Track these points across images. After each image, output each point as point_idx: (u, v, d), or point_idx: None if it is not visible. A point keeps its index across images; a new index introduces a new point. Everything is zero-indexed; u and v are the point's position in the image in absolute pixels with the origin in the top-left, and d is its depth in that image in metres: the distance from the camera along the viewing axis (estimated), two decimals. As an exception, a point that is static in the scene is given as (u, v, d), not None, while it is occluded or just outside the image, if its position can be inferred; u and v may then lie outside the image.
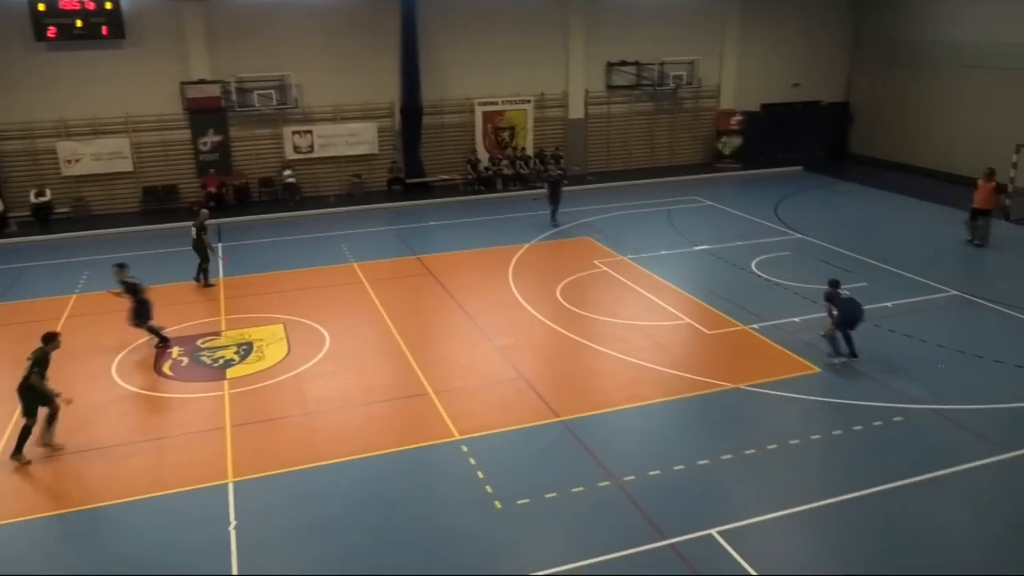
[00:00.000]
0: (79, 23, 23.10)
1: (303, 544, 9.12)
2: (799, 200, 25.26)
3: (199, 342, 14.82)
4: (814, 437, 11.10)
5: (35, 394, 10.88)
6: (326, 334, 15.04)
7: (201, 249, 17.85)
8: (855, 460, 10.53)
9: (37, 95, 23.55)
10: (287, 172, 25.94)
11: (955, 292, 16.44)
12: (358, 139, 26.69)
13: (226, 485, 10.23)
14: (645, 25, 28.97)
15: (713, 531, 9.06)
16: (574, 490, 9.96)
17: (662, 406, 12.14)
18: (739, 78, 30.72)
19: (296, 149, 26.22)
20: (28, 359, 10.96)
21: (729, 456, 10.64)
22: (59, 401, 11.06)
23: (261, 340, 14.83)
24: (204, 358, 14.14)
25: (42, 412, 11.04)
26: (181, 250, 21.14)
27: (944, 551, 8.84)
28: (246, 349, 14.47)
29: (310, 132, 26.22)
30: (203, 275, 18.03)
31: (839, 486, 9.92)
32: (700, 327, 15.09)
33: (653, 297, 16.70)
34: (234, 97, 25.03)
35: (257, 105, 25.12)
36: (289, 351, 14.35)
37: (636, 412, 11.99)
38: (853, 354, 13.20)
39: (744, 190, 27.10)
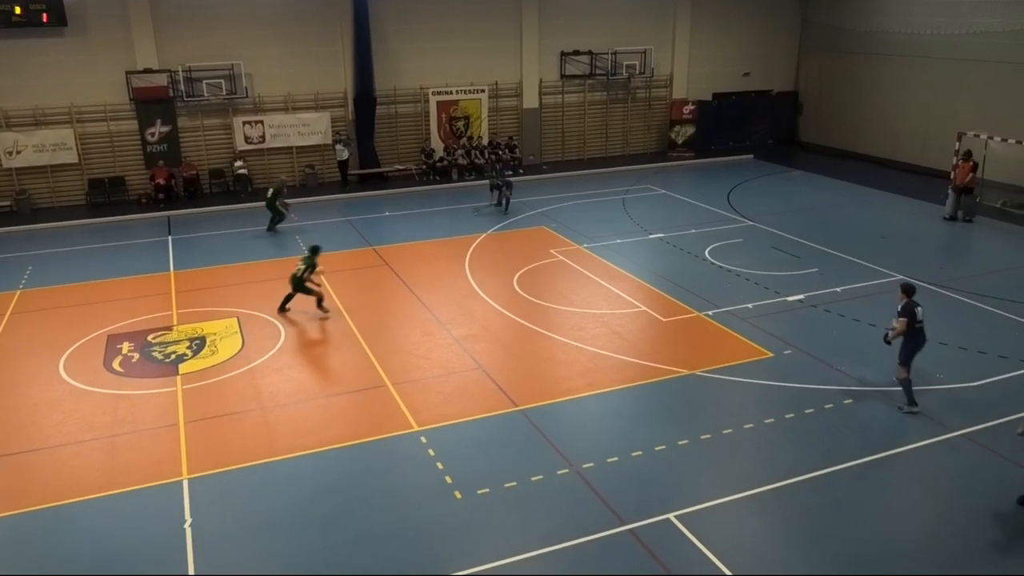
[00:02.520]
0: (18, 10, 22.31)
1: (261, 540, 9.03)
2: (751, 188, 25.65)
3: (150, 337, 14.52)
4: (768, 421, 11.33)
5: None
6: (281, 327, 14.87)
7: (274, 208, 21.34)
8: (807, 442, 10.77)
9: (-26, 84, 22.77)
10: (238, 163, 25.48)
11: (901, 276, 16.86)
12: (311, 129, 26.33)
13: (180, 482, 10.07)
14: (598, 15, 29.07)
15: (671, 515, 9.20)
16: (533, 478, 10.02)
17: (619, 393, 12.26)
18: (691, 68, 31.04)
19: (247, 140, 25.77)
20: None
21: (686, 441, 10.81)
22: None
23: (214, 334, 14.59)
24: (155, 353, 13.86)
25: None
26: (129, 243, 20.75)
27: (893, 528, 9.10)
28: (199, 344, 14.23)
29: (261, 122, 25.78)
30: (273, 226, 21.47)
31: (792, 468, 10.14)
32: (655, 314, 15.26)
33: (609, 285, 16.83)
34: (182, 87, 24.48)
35: (206, 95, 24.61)
36: (243, 345, 14.15)
37: (594, 400, 12.09)
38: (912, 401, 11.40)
39: (697, 178, 27.43)
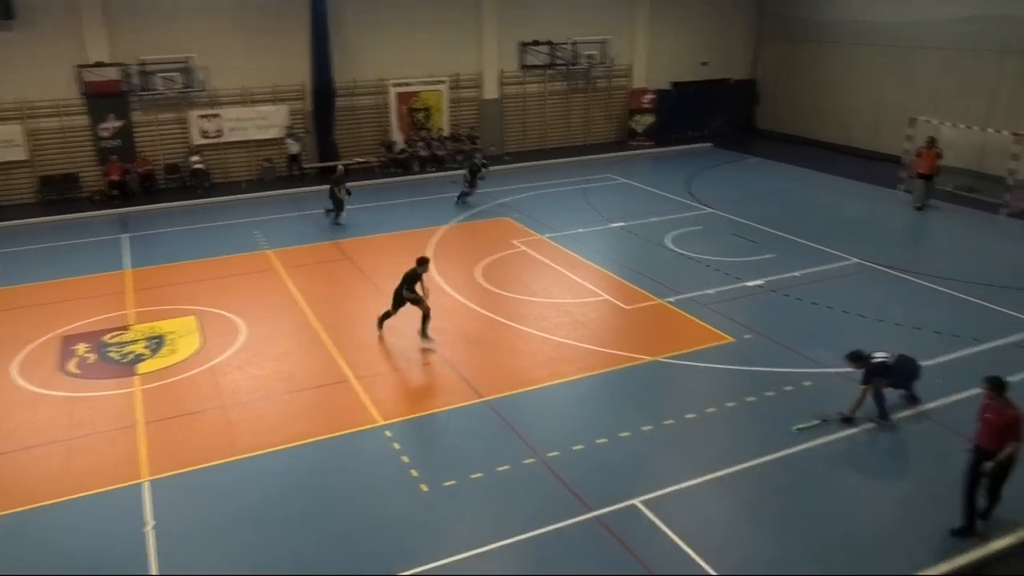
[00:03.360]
0: (-41, 3, 21.67)
1: (226, 540, 8.94)
2: (710, 176, 25.90)
3: (106, 337, 14.24)
4: (729, 404, 11.48)
5: None
6: (241, 324, 14.67)
7: (335, 198, 21.03)
8: (768, 424, 10.94)
9: (-84, 81, 22.03)
10: (194, 158, 25.01)
11: (856, 260, 17.19)
12: (268, 123, 25.94)
13: (140, 485, 9.90)
14: (557, 5, 29.04)
15: (636, 501, 9.29)
16: (499, 469, 10.04)
17: (583, 382, 12.33)
18: (650, 57, 31.19)
19: (204, 134, 25.30)
20: None
21: (649, 427, 10.91)
22: None
23: (173, 332, 14.35)
24: (112, 354, 13.60)
25: None
26: (83, 241, 20.30)
27: (852, 505, 9.30)
28: (157, 342, 13.98)
29: (218, 116, 25.33)
30: (335, 216, 21.23)
31: (754, 450, 10.30)
32: (618, 302, 15.36)
33: (571, 275, 16.89)
34: (136, 80, 23.94)
35: (161, 88, 24.10)
36: (203, 343, 13.94)
37: (558, 389, 12.15)
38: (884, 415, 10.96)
39: (657, 167, 27.61)
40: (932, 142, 21.26)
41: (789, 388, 11.88)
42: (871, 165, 26.04)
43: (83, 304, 15.77)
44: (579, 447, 10.48)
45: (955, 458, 9.21)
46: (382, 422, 11.22)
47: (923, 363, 11.43)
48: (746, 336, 13.64)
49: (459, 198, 22.84)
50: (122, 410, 11.74)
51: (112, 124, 24.12)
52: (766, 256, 17.61)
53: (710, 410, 11.35)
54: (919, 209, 21.17)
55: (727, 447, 10.53)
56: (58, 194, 23.87)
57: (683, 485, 9.65)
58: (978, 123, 22.50)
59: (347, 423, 11.25)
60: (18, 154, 23.41)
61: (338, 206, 21.17)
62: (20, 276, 17.67)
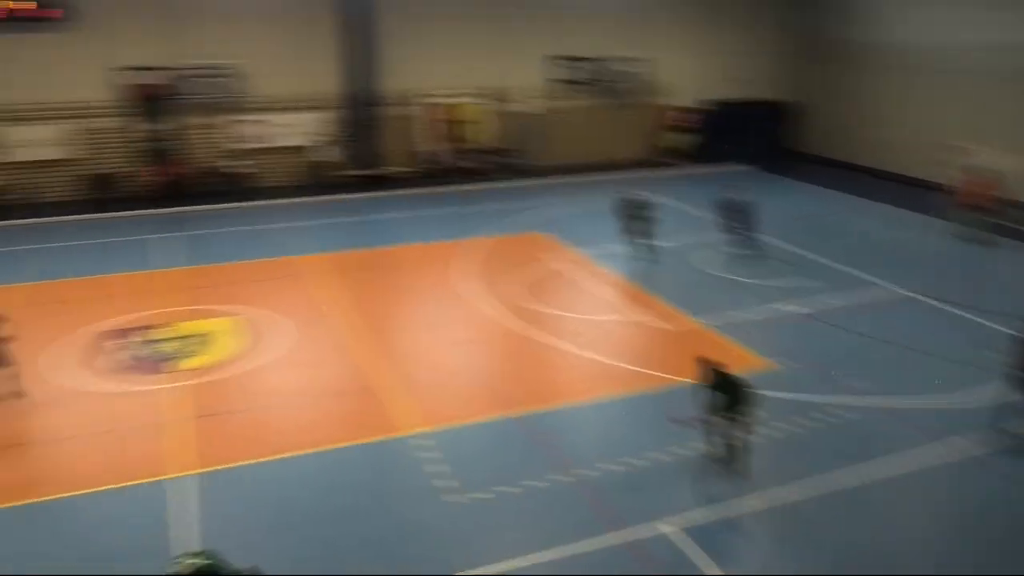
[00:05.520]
0: (11, 4, 22.23)
1: (254, 540, 8.92)
2: (748, 197, 25.55)
3: (147, 334, 14.39)
4: (767, 431, 11.27)
5: None
6: (277, 327, 14.74)
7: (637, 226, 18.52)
8: (808, 453, 10.72)
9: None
10: (235, 162, 25.34)
11: (904, 291, 16.84)
12: (306, 129, 26.22)
13: (178, 479, 9.95)
14: (594, 22, 29.11)
15: (669, 524, 9.12)
16: (530, 484, 9.94)
17: (618, 401, 12.20)
18: (688, 75, 31.04)
19: (245, 138, 25.64)
20: None
21: (686, 450, 10.74)
22: None
23: (211, 332, 14.47)
24: (150, 351, 13.73)
25: None
26: (123, 240, 20.60)
27: (890, 542, 9.06)
28: (195, 341, 14.10)
29: (257, 121, 25.66)
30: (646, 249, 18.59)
31: (792, 480, 10.08)
32: (654, 322, 15.21)
33: (606, 292, 16.78)
34: (181, 84, 24.34)
35: (206, 93, 24.48)
36: (242, 343, 14.03)
37: (592, 407, 12.03)
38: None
39: (690, 186, 27.40)
40: (983, 172, 20.45)
41: (831, 419, 11.63)
42: (917, 192, 25.59)
43: (123, 301, 15.99)
44: (612, 466, 10.34)
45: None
46: (418, 430, 11.18)
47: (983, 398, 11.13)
48: (785, 362, 13.40)
49: (742, 247, 18.89)
50: (159, 406, 11.84)
51: (155, 126, 24.51)
52: (809, 282, 17.33)
53: (750, 436, 11.13)
54: (971, 242, 20.15)
55: (763, 475, 10.32)
56: (101, 193, 24.28)
57: (718, 510, 9.48)
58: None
59: (384, 429, 11.23)
60: (71, 152, 23.91)
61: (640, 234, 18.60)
62: (68, 271, 18.03)
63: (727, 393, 9.88)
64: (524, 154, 28.65)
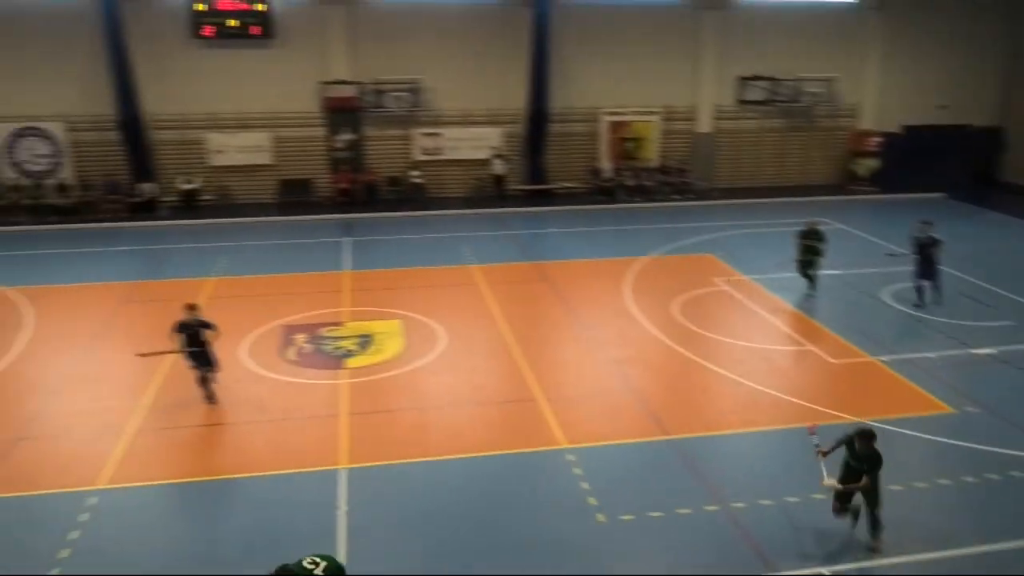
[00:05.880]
0: (232, 23, 24.57)
1: (407, 535, 9.31)
2: (941, 229, 23.67)
3: (323, 331, 15.40)
4: (942, 482, 10.42)
5: None
6: (442, 332, 15.33)
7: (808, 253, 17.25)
8: (988, 510, 9.81)
9: (191, 89, 25.19)
10: (414, 172, 26.65)
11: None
12: (483, 143, 27.11)
13: (339, 471, 10.58)
14: (782, 39, 28.11)
15: (824, 571, 8.64)
16: (680, 511, 9.73)
17: (778, 433, 11.70)
18: (880, 97, 29.29)
19: (424, 150, 26.93)
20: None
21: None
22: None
23: (380, 333, 15.27)
24: (326, 347, 14.69)
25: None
26: (310, 241, 22.18)
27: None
28: (365, 341, 14.93)
29: (438, 135, 26.87)
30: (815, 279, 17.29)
31: (967, 537, 9.26)
32: (824, 355, 14.46)
33: (774, 320, 16.14)
34: (369, 98, 25.95)
35: (390, 106, 25.96)
36: (406, 346, 14.71)
37: (750, 437, 11.61)
38: None
39: (879, 215, 25.82)
40: None
41: (1016, 473, 10.58)
42: None
43: (305, 298, 17.19)
44: (767, 502, 9.93)
45: None
46: (565, 445, 11.25)
47: None
48: (969, 408, 12.33)
49: (928, 280, 16.80)
50: (329, 399, 12.63)
51: (345, 137, 26.24)
52: (1002, 322, 15.87)
53: (919, 485, 10.35)
54: None
55: (935, 528, 9.53)
56: (294, 197, 26.32)
57: (878, 562, 8.86)
58: None
59: (531, 441, 11.39)
60: (265, 159, 26.12)
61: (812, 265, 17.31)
62: (255, 267, 19.65)
63: (862, 460, 8.98)
64: (697, 174, 28.13)
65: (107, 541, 9.14)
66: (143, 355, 12.39)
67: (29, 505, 9.85)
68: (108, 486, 10.21)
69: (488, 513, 9.72)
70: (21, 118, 24.37)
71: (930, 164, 29.37)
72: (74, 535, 9.19)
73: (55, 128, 24.66)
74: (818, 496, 9.99)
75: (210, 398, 12.26)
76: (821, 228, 17.58)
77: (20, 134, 24.52)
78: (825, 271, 17.76)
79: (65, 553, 8.86)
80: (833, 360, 14.25)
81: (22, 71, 24.25)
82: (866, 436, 8.85)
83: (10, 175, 24.63)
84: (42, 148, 24.72)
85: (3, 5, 23.69)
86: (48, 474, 10.51)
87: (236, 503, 10.01)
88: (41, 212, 24.25)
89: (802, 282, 17.56)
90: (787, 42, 28.16)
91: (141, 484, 10.29)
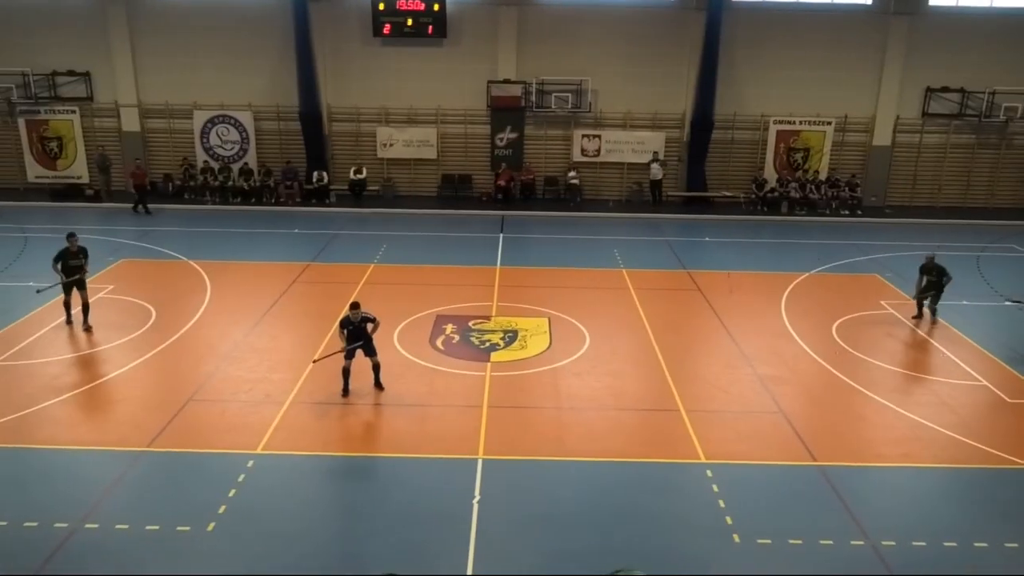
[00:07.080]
0: (410, 22, 25.65)
1: (536, 531, 9.38)
2: None
3: (471, 323, 15.81)
4: None
5: None
6: (587, 334, 15.34)
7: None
8: None
9: (366, 84, 26.57)
10: (572, 173, 26.80)
11: None
12: (644, 147, 26.84)
13: (475, 460, 10.83)
14: (977, 49, 26.00)
15: (983, 624, 7.97)
16: (822, 542, 9.24)
17: (940, 472, 10.86)
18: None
19: (583, 152, 27.02)
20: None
21: (1016, 546, 9.26)
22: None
23: (526, 330, 15.48)
24: (473, 339, 15.07)
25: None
26: (466, 236, 22.81)
27: None
28: (511, 336, 15.19)
29: (599, 137, 26.87)
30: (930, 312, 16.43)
31: None
32: (999, 392, 13.28)
33: (945, 350, 14.99)
34: (533, 97, 26.33)
35: (553, 107, 26.23)
36: (550, 345, 14.83)
37: (907, 472, 10.85)
38: None
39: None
40: None
41: None
42: None
43: (457, 290, 17.70)
44: (920, 543, 9.25)
45: None
46: (705, 460, 10.97)
47: None
48: None
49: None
50: (472, 390, 12.94)
51: (507, 135, 26.77)
52: None
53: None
54: None
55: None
56: (454, 191, 27.16)
57: (1050, 624, 8.06)
58: None
59: (670, 452, 11.19)
60: (429, 153, 27.13)
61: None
62: (412, 258, 20.44)
63: None
64: (870, 189, 26.57)
65: (258, 503, 9.81)
66: (318, 360, 13.12)
67: (198, 461, 10.74)
68: (264, 451, 10.97)
69: (620, 520, 9.62)
70: (216, 106, 26.58)
71: None
72: (231, 493, 9.94)
73: (244, 117, 26.74)
74: (979, 544, 9.22)
75: (378, 385, 12.79)
76: (940, 264, 16.26)
77: (213, 121, 26.76)
78: (1010, 301, 16.26)
79: (222, 509, 9.60)
80: (1009, 399, 13.06)
81: (222, 65, 26.45)
82: None
83: (203, 159, 26.93)
84: (232, 135, 26.89)
85: (207, 3, 25.88)
86: (215, 434, 11.43)
87: (377, 480, 10.47)
88: (226, 193, 26.36)
89: (979, 312, 16.19)
90: (982, 52, 26.01)
91: (292, 452, 10.98)
